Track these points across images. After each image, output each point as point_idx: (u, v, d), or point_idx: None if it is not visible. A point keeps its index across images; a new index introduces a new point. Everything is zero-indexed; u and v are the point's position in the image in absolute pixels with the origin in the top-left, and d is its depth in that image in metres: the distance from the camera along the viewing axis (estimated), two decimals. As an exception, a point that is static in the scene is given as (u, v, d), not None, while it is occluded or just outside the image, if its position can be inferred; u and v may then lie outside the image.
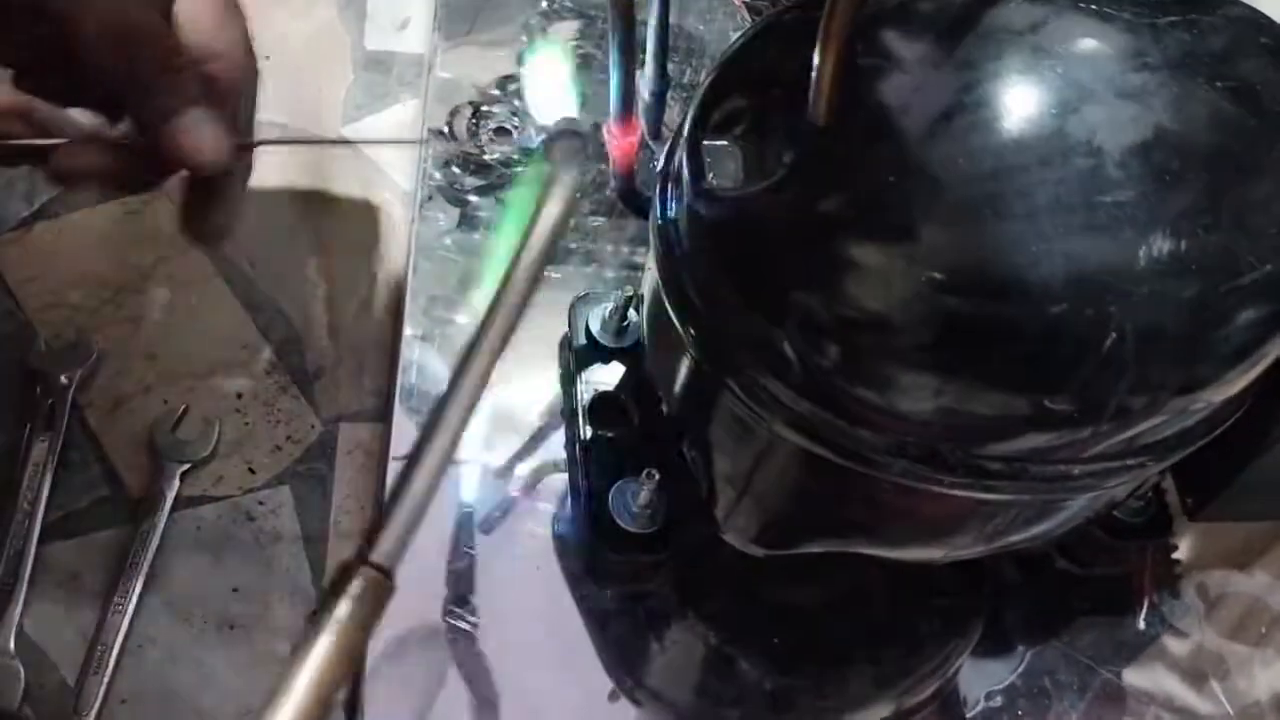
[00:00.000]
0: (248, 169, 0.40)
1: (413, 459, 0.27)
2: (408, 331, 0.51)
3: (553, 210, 0.31)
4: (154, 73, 0.36)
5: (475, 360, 0.28)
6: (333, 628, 0.25)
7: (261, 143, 0.40)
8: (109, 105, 0.39)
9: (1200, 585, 0.49)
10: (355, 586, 0.26)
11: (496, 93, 0.59)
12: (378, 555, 0.26)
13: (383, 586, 0.26)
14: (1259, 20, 0.34)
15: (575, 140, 0.34)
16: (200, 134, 0.36)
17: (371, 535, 0.26)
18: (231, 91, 0.39)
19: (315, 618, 0.25)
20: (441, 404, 0.28)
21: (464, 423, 0.28)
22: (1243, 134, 0.32)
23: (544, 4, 0.62)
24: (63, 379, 0.49)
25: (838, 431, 0.33)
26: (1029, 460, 0.33)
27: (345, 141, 0.58)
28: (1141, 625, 0.48)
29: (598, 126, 0.39)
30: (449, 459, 0.28)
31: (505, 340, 0.29)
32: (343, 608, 0.25)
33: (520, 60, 0.60)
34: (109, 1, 0.35)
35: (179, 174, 0.38)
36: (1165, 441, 0.34)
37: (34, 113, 0.38)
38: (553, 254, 0.30)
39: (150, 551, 0.46)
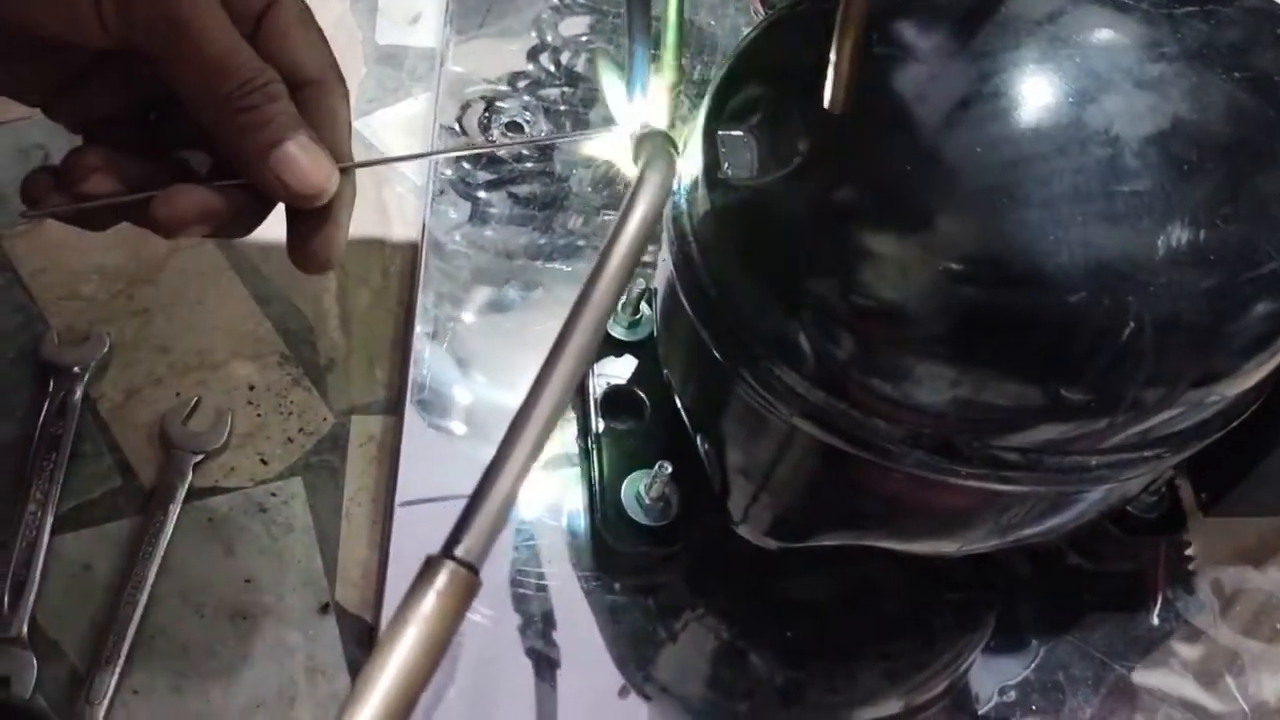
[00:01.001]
0: (352, 192, 0.38)
1: (500, 455, 0.27)
2: (418, 327, 0.51)
3: (641, 209, 0.30)
4: (252, 104, 0.35)
5: (563, 355, 0.28)
6: (418, 622, 0.24)
7: (362, 164, 0.39)
8: (204, 144, 0.38)
9: (1214, 581, 0.49)
10: (441, 581, 0.25)
11: (508, 88, 0.59)
12: (463, 551, 0.25)
13: (468, 582, 0.25)
14: (1275, 11, 0.34)
15: (663, 139, 0.34)
16: (306, 163, 0.35)
17: (457, 531, 0.26)
18: (329, 116, 0.38)
19: (400, 612, 0.25)
20: (530, 398, 0.27)
21: (555, 416, 0.27)
22: (1260, 124, 0.32)
23: (556, -1, 0.62)
24: (75, 370, 0.49)
25: (853, 422, 0.33)
26: (1045, 451, 0.33)
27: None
28: (1155, 621, 0.48)
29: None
30: (537, 453, 0.27)
31: (597, 336, 0.28)
32: (428, 602, 0.25)
33: (531, 56, 0.60)
34: (201, 38, 0.34)
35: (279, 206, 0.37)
36: (1182, 433, 0.34)
37: (119, 168, 0.37)
38: (642, 253, 0.30)
39: (162, 542, 0.46)
